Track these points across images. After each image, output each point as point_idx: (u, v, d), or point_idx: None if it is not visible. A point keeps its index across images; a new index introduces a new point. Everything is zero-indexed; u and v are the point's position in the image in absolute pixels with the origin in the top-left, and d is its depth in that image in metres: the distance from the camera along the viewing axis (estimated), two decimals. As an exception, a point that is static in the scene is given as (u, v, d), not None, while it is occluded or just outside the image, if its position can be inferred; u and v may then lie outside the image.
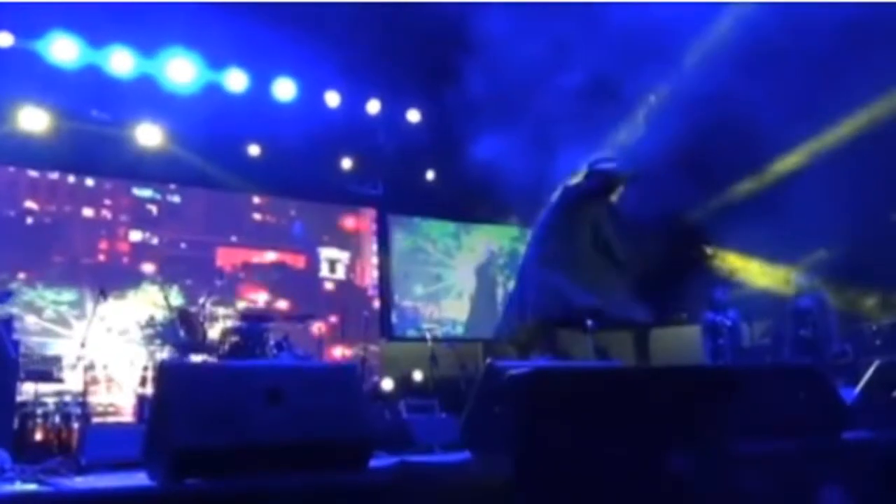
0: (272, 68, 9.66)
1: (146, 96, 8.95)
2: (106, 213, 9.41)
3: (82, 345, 6.39)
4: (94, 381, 7.63)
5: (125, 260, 9.40)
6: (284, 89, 9.75)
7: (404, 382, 9.37)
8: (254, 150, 10.02)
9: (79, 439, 5.72)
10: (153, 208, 9.70)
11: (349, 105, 10.24)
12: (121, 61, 8.72)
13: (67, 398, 6.48)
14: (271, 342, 7.37)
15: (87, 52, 8.58)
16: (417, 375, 9.38)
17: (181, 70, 9.00)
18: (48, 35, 8.34)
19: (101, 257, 9.27)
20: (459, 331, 11.55)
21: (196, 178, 9.74)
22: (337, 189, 10.84)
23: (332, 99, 10.11)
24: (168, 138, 9.39)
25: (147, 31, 8.60)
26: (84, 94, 8.73)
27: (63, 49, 8.40)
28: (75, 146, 8.87)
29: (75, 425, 5.99)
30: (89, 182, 9.34)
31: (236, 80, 9.43)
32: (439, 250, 11.90)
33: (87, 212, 9.28)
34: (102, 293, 6.85)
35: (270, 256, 10.41)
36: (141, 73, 8.90)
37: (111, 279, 8.53)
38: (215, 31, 8.17)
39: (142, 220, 9.57)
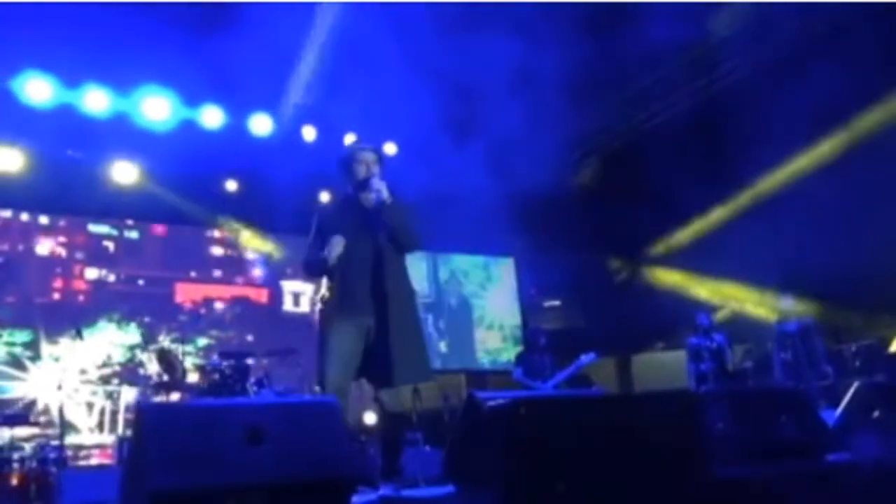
0: (248, 104, 9.66)
1: (121, 134, 8.93)
2: (61, 251, 9.23)
3: (59, 387, 6.29)
4: (52, 424, 7.44)
5: (81, 298, 9.20)
6: (261, 124, 9.76)
7: (388, 415, 9.25)
8: (231, 185, 10.02)
9: (56, 483, 5.61)
10: (110, 245, 9.53)
11: (326, 139, 10.24)
12: (95, 100, 8.72)
13: (44, 442, 6.37)
14: (251, 379, 7.29)
15: (62, 91, 8.57)
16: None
17: (156, 107, 8.98)
18: (22, 75, 8.31)
19: (56, 296, 9.06)
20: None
21: (173, 216, 9.67)
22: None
23: (309, 133, 10.13)
24: (144, 176, 9.36)
25: (121, 70, 8.59)
26: (59, 133, 8.65)
27: (37, 89, 8.36)
28: (51, 186, 8.80)
29: (53, 469, 5.89)
30: (43, 220, 9.18)
31: (212, 117, 9.42)
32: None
33: (42, 250, 9.12)
34: (78, 332, 6.76)
35: (231, 291, 10.22)
36: (116, 111, 8.89)
37: (67, 318, 8.39)
38: (190, 68, 8.16)
39: (98, 257, 9.40)
